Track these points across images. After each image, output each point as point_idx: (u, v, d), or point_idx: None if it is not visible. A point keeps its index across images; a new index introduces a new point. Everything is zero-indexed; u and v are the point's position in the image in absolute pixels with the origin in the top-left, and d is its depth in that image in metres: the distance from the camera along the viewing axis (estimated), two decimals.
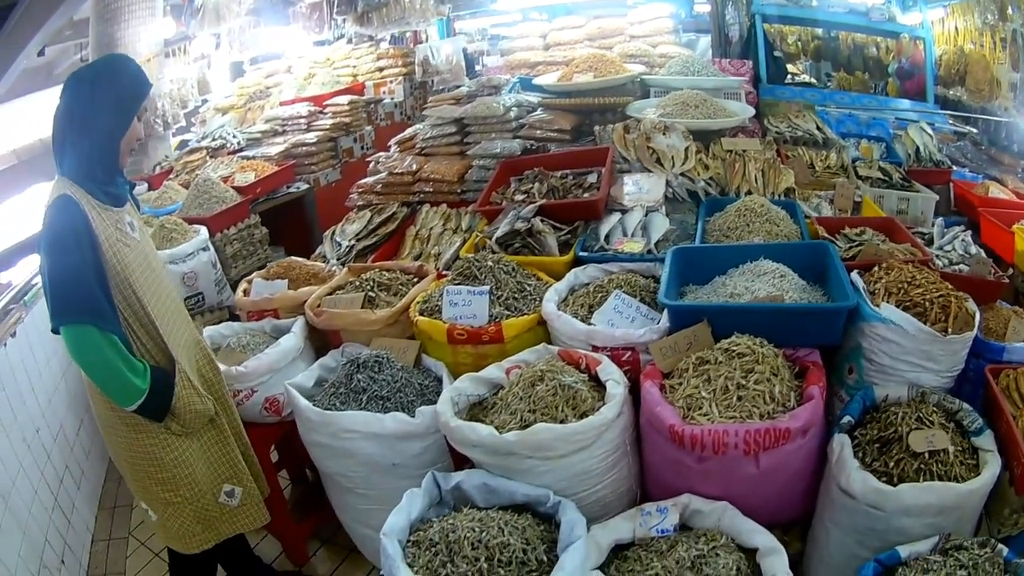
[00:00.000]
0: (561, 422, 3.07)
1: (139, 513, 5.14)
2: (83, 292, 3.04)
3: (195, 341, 3.67)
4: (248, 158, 7.59)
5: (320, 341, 4.48)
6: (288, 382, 3.83)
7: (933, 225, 4.90)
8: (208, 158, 7.97)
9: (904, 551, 2.62)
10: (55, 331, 3.04)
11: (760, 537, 2.77)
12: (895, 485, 2.73)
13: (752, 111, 5.78)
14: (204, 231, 5.69)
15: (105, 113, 3.15)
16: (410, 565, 2.75)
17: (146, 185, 7.46)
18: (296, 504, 4.84)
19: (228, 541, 3.77)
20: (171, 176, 7.60)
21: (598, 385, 3.36)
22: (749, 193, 4.57)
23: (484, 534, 2.78)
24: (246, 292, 4.81)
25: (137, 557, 4.81)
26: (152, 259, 3.44)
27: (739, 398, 3.00)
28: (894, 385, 3.22)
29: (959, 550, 2.55)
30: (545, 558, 2.80)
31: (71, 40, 7.98)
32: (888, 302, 3.25)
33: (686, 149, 4.91)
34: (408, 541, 2.92)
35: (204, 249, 5.56)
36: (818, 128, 6.12)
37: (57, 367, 5.18)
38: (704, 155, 4.99)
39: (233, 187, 6.54)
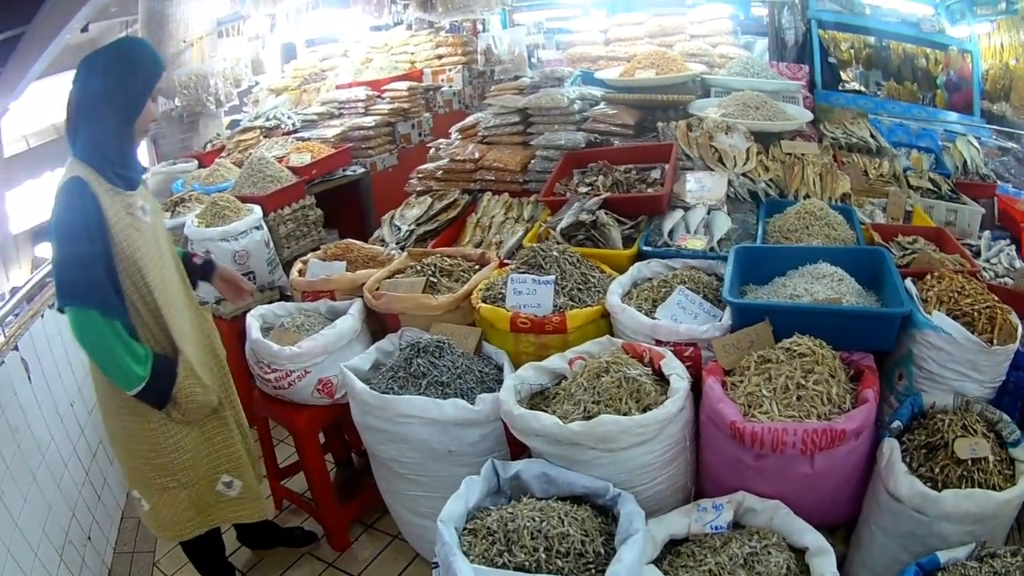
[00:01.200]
0: (624, 414, 3.08)
1: None
2: (88, 276, 3.10)
3: (203, 330, 3.73)
4: (303, 139, 7.61)
5: (376, 325, 4.49)
6: (344, 364, 3.83)
7: (980, 238, 4.97)
8: (262, 138, 8.00)
9: (943, 556, 2.65)
10: (60, 311, 3.18)
11: (810, 537, 2.80)
12: (939, 491, 2.76)
13: (810, 116, 5.79)
14: (258, 210, 5.72)
15: (116, 97, 3.20)
16: (466, 553, 2.75)
17: (195, 162, 7.55)
18: (340, 488, 4.86)
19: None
20: (223, 155, 7.64)
21: (660, 379, 3.37)
22: (807, 197, 4.62)
23: (544, 524, 2.79)
24: (301, 272, 4.84)
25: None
26: (163, 244, 3.48)
27: (798, 398, 3.03)
28: (940, 393, 3.23)
29: (993, 557, 2.59)
30: (602, 550, 2.80)
31: (117, 17, 8.04)
32: (939, 310, 3.27)
33: (747, 150, 4.92)
34: (464, 529, 2.93)
35: (257, 228, 5.59)
36: (872, 136, 6.12)
37: None
38: (764, 157, 5.00)
39: (288, 167, 6.57)
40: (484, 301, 3.97)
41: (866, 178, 5.41)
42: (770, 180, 4.80)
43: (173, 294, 3.45)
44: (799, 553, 2.81)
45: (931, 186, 5.63)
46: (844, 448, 2.89)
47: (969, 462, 2.85)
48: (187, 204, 6.17)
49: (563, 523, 2.81)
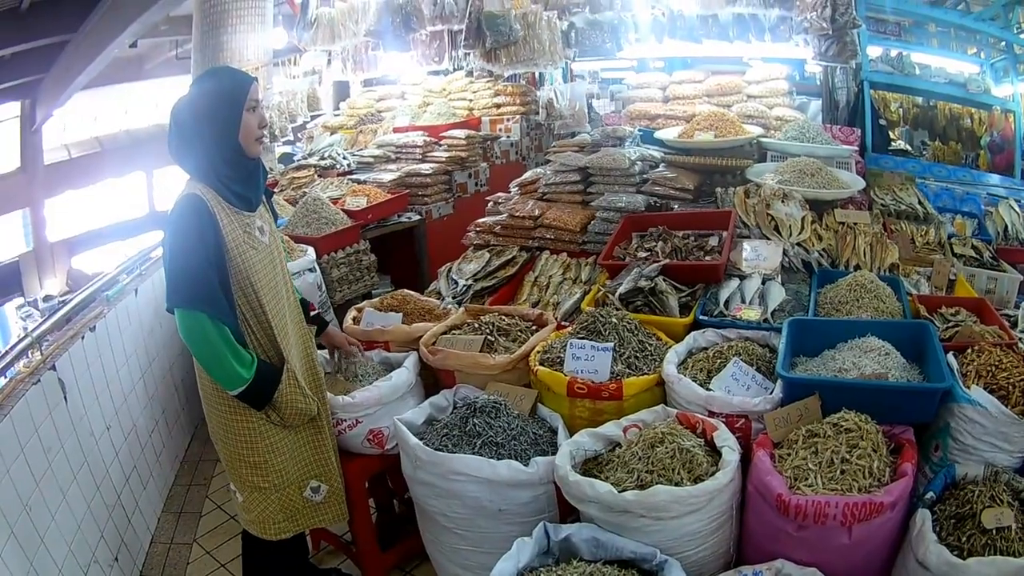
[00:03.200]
0: (676, 484, 3.21)
1: (208, 521, 5.39)
2: (199, 283, 3.38)
3: (306, 345, 3.97)
4: (359, 182, 7.79)
5: (430, 378, 4.62)
6: (398, 418, 3.94)
7: (1018, 306, 5.05)
8: (317, 177, 8.18)
9: None
10: (169, 311, 3.46)
11: None
12: (964, 559, 2.86)
13: (863, 183, 5.90)
14: (312, 252, 5.88)
15: (206, 121, 3.44)
16: None
17: None
18: (380, 533, 4.91)
19: (295, 541, 4.11)
20: (276, 190, 7.80)
21: (712, 450, 3.50)
22: (858, 267, 4.79)
23: None
24: (356, 320, 4.96)
25: (200, 564, 4.99)
26: (278, 263, 3.77)
27: (842, 472, 3.15)
28: (973, 464, 3.36)
29: None
30: None
31: (167, 36, 8.21)
32: (978, 385, 3.42)
33: (803, 219, 5.06)
34: None
35: (311, 270, 5.75)
36: (919, 203, 6.23)
37: (137, 367, 5.41)
38: (818, 225, 5.15)
39: (344, 210, 6.72)
40: (541, 364, 4.10)
41: (913, 246, 5.52)
42: (823, 250, 4.94)
43: (282, 309, 3.74)
44: None
45: (974, 253, 5.75)
46: (880, 519, 3.01)
47: (994, 531, 2.97)
48: None
49: None
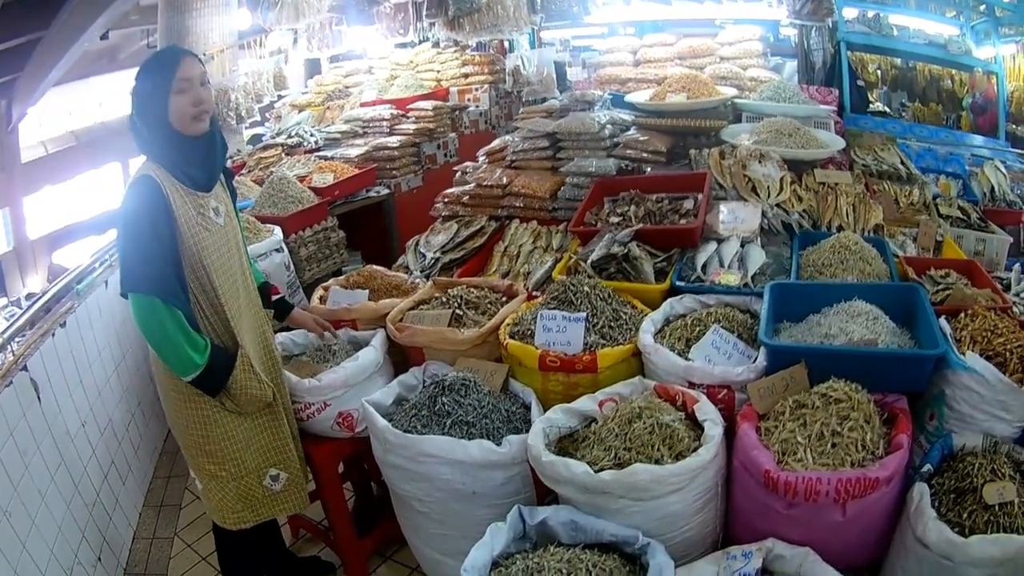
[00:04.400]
0: (656, 462, 3.02)
1: (188, 513, 5.26)
2: (151, 267, 3.25)
3: (262, 331, 3.81)
4: (326, 158, 7.60)
5: (399, 356, 4.43)
6: (366, 399, 3.78)
7: (1009, 269, 4.97)
8: (284, 155, 7.98)
9: None
10: (124, 296, 3.33)
11: None
12: (966, 536, 2.70)
13: (843, 143, 5.75)
14: (279, 231, 5.68)
15: (138, 106, 3.35)
16: None
17: None
18: (358, 517, 4.76)
19: (264, 526, 3.95)
20: (243, 171, 7.65)
21: (693, 423, 3.30)
22: (840, 228, 4.59)
23: None
24: (322, 299, 4.78)
25: (182, 559, 4.85)
26: (233, 245, 3.60)
27: (833, 445, 2.95)
28: (970, 434, 3.17)
29: None
30: None
31: (137, 25, 8.03)
32: (972, 351, 3.24)
33: (781, 179, 4.86)
34: None
35: (278, 250, 5.56)
36: (902, 163, 6.11)
37: (110, 359, 5.25)
38: (797, 186, 4.95)
39: (311, 188, 6.53)
40: (512, 337, 3.91)
41: (897, 207, 5.37)
42: (803, 211, 4.73)
43: (237, 293, 3.59)
44: None
45: (960, 214, 5.64)
46: (876, 495, 2.82)
47: (996, 507, 2.80)
48: None
49: (591, 575, 2.74)
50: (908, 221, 5.11)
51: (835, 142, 5.61)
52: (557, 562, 2.80)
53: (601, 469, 3.02)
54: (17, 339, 4.23)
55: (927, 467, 3.04)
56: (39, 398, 4.05)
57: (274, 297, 4.14)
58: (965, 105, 8.23)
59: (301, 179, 6.74)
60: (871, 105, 8.23)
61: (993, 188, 6.32)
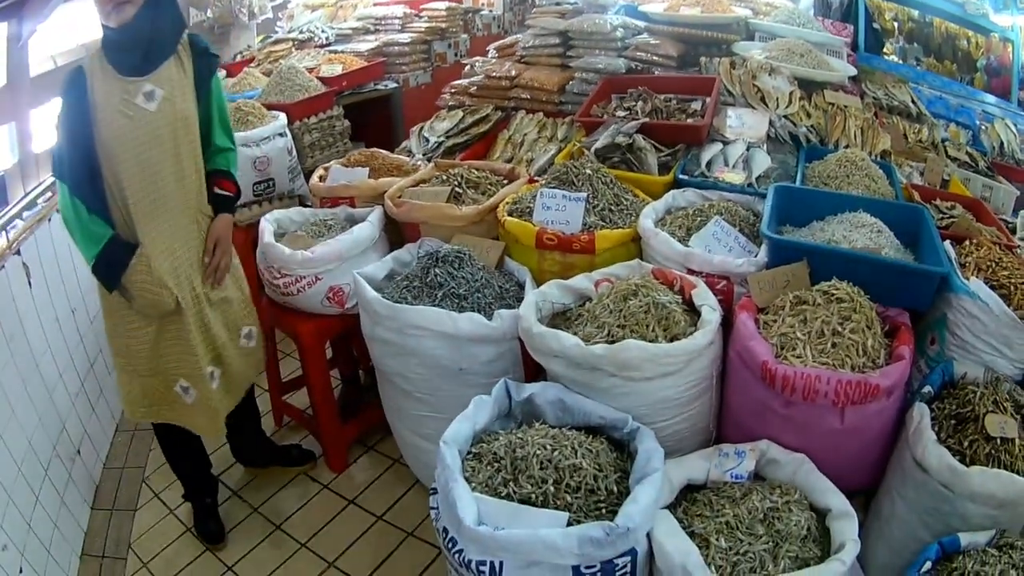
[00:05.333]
0: (651, 342, 2.85)
1: None
2: (63, 154, 3.19)
3: (191, 229, 3.51)
4: (336, 52, 7.39)
5: (396, 236, 4.29)
6: (358, 271, 3.62)
7: (1017, 216, 4.77)
8: (294, 50, 7.79)
9: (964, 539, 2.45)
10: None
11: (834, 498, 2.61)
12: (967, 466, 2.55)
13: (854, 70, 5.60)
14: (283, 117, 5.52)
15: None
16: (468, 479, 2.58)
17: (223, 73, 7.22)
18: (344, 406, 4.66)
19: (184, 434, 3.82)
20: (252, 65, 7.42)
21: (690, 310, 3.14)
22: (847, 147, 4.39)
23: (556, 453, 2.60)
24: (322, 179, 4.62)
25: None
26: (166, 133, 3.31)
27: (833, 344, 2.81)
28: (972, 364, 3.03)
29: (1011, 548, 2.39)
30: (616, 488, 2.60)
31: None
32: (977, 278, 3.07)
33: (790, 93, 4.70)
34: (469, 453, 2.77)
35: (281, 135, 5.39)
36: (913, 102, 5.99)
37: None
38: (806, 103, 4.79)
39: (319, 77, 6.37)
40: (510, 215, 3.75)
41: (905, 141, 5.23)
42: (811, 126, 4.58)
43: (152, 186, 3.31)
44: (820, 514, 2.62)
45: (968, 160, 5.49)
46: (875, 406, 2.69)
47: (998, 440, 2.66)
48: None
49: (576, 454, 2.62)
50: (916, 155, 4.99)
51: (846, 69, 5.44)
52: (542, 438, 2.67)
53: (593, 344, 2.87)
54: (12, 225, 4.09)
55: (928, 388, 2.90)
56: (30, 283, 3.93)
57: (216, 191, 3.63)
58: (979, 66, 8.05)
59: (310, 71, 6.54)
60: (886, 57, 8.07)
61: (1003, 143, 6.17)
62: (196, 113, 3.41)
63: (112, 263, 3.28)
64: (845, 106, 4.82)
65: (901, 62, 8.14)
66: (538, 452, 2.58)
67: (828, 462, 2.72)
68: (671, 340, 2.90)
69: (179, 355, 3.52)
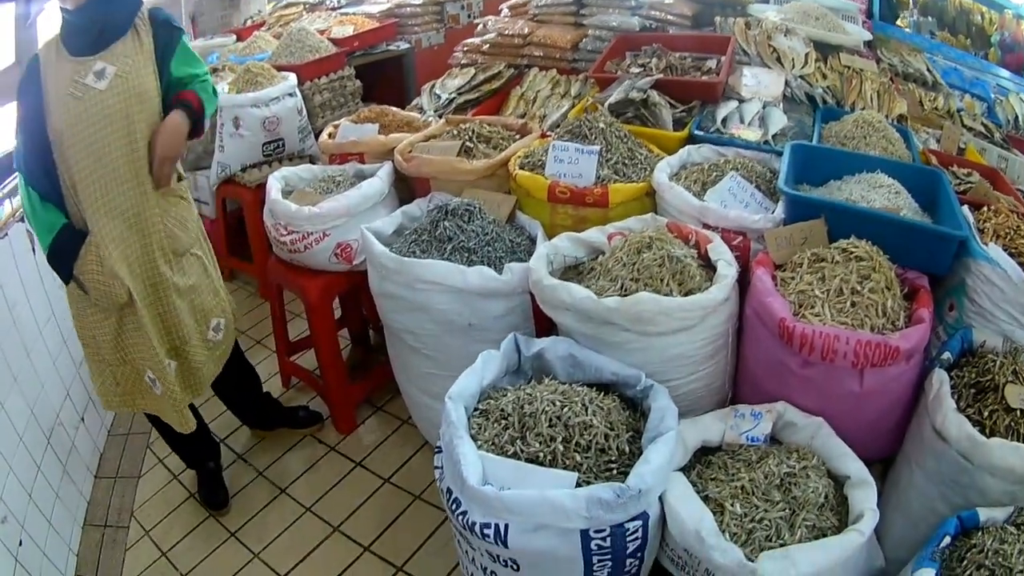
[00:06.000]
0: (665, 296, 2.74)
1: None
2: (20, 143, 3.05)
3: (145, 221, 3.21)
4: (347, 13, 7.31)
5: (406, 192, 4.16)
6: (366, 226, 3.50)
7: None
8: (304, 13, 7.71)
9: (983, 514, 2.32)
10: None
11: (852, 464, 2.51)
12: (987, 437, 2.43)
13: (868, 35, 5.51)
14: (293, 77, 5.44)
15: None
16: (474, 437, 2.46)
17: (233, 37, 7.26)
18: (353, 366, 4.60)
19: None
20: (263, 29, 7.38)
21: (706, 265, 3.02)
22: (863, 110, 4.24)
23: (566, 410, 2.47)
24: (331, 136, 4.49)
25: None
26: (118, 112, 3.04)
27: (852, 304, 2.69)
28: (990, 333, 2.90)
29: None
30: (628, 448, 2.48)
31: None
32: (995, 244, 2.95)
33: (806, 54, 4.59)
34: (476, 409, 2.65)
35: (291, 95, 5.33)
36: (928, 70, 5.87)
37: None
38: (822, 65, 4.69)
39: (330, 39, 6.27)
40: (522, 168, 3.62)
41: (921, 108, 5.10)
42: (827, 87, 4.47)
43: (102, 168, 3.05)
44: (837, 481, 2.53)
45: (984, 131, 5.36)
46: (895, 369, 2.57)
47: (1018, 412, 2.52)
48: (220, 74, 5.88)
49: (587, 412, 2.49)
50: (931, 122, 4.85)
51: (861, 32, 5.33)
52: (551, 394, 2.54)
53: (607, 297, 2.74)
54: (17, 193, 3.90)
55: (947, 355, 2.77)
56: (33, 249, 3.84)
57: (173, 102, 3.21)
58: (993, 42, 7.91)
59: (321, 32, 6.45)
60: (900, 28, 7.94)
61: (1017, 117, 6.05)
62: (156, 88, 3.13)
63: (63, 252, 3.11)
64: (861, 69, 4.71)
65: (920, 33, 8.03)
66: (547, 409, 2.46)
67: (846, 427, 2.63)
68: (686, 295, 2.78)
69: (141, 347, 3.32)
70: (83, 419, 4.11)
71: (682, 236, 3.09)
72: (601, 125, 3.62)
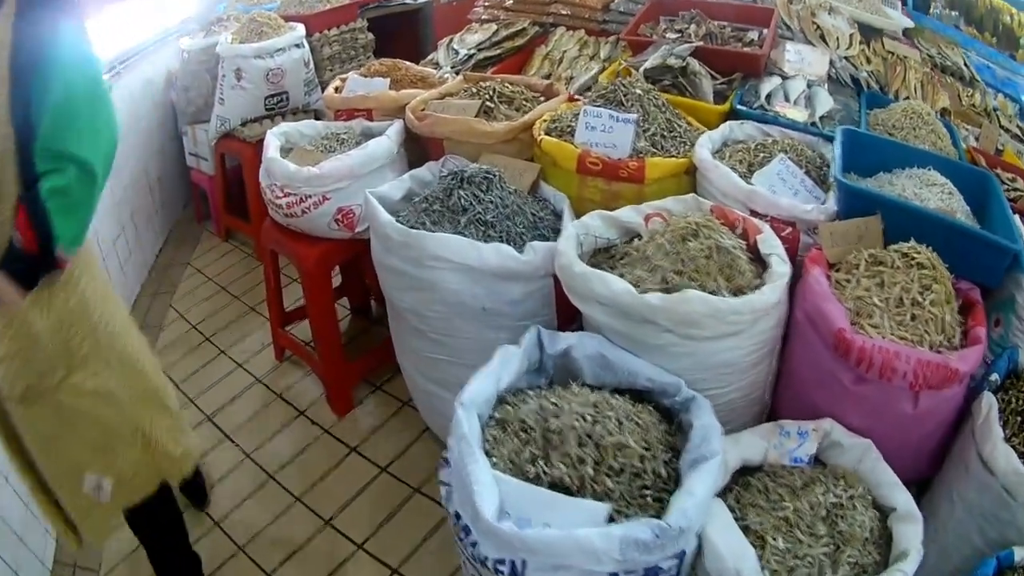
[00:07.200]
0: (712, 293, 2.35)
1: (167, 336, 4.74)
2: None
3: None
4: None
5: (417, 155, 3.72)
6: (371, 191, 3.07)
7: None
8: None
9: (1018, 553, 2.09)
10: None
11: (900, 496, 2.20)
12: None
13: (910, 22, 5.16)
14: (301, 28, 5.09)
15: None
16: (488, 452, 2.08)
17: None
18: (351, 340, 4.34)
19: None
20: None
21: (754, 259, 2.62)
22: (907, 99, 3.93)
23: (598, 428, 2.07)
24: (338, 90, 4.07)
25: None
26: None
27: (913, 317, 2.37)
28: None
29: None
30: (664, 472, 2.09)
31: None
32: None
33: (851, 35, 4.28)
34: (491, 417, 2.24)
35: (297, 46, 4.99)
36: (965, 65, 5.53)
37: None
38: (866, 48, 4.39)
39: None
40: (548, 134, 3.20)
41: (959, 103, 4.79)
42: (871, 72, 4.17)
43: None
44: (882, 512, 2.22)
45: (1019, 132, 5.02)
46: (949, 392, 2.31)
47: None
48: (224, 23, 5.55)
49: (621, 429, 2.09)
50: (970, 119, 4.54)
51: (901, 19, 5.05)
52: (581, 405, 2.13)
53: (646, 292, 2.34)
54: None
55: (995, 376, 2.51)
56: None
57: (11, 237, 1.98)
58: (1022, 43, 7.62)
59: None
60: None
61: None
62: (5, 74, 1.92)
63: None
64: (905, 57, 4.47)
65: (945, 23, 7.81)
66: (576, 425, 2.05)
67: (890, 448, 2.33)
68: (734, 293, 2.41)
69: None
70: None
71: (728, 223, 2.69)
72: (638, 91, 3.22)
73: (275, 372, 4.23)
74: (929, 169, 3.06)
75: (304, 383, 4.10)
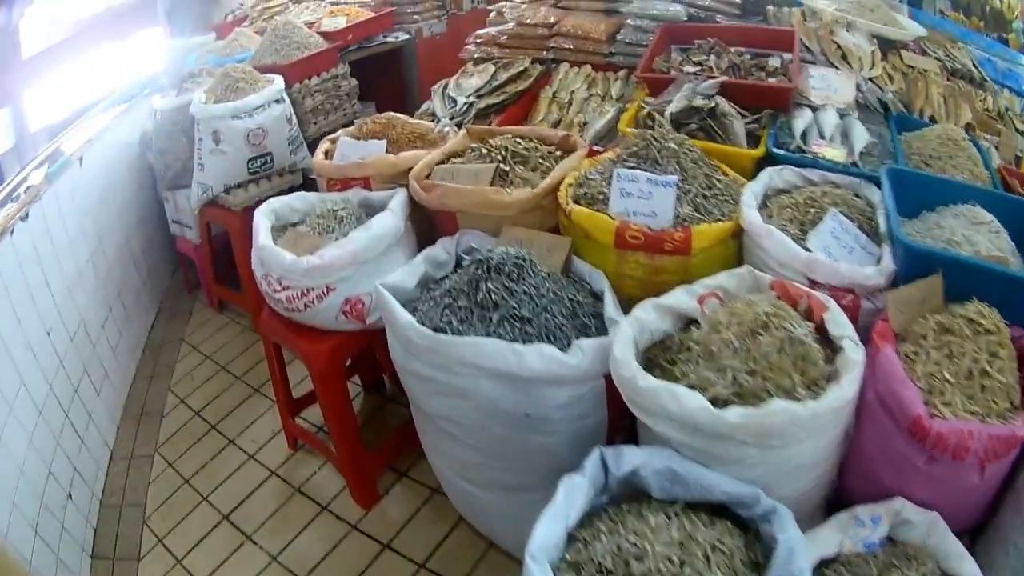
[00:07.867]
0: (787, 393, 2.11)
1: (170, 422, 4.50)
2: None
3: None
4: (338, 3, 6.75)
5: (423, 224, 3.49)
6: (381, 282, 2.76)
7: None
8: (290, 4, 7.12)
9: None
10: None
11: (967, 567, 2.13)
12: None
13: (923, 29, 4.91)
14: (279, 80, 4.80)
15: None
16: None
17: (213, 35, 6.75)
18: (367, 422, 4.08)
19: None
20: (245, 24, 6.81)
21: (822, 339, 2.34)
22: (932, 119, 3.86)
23: (687, 569, 1.80)
24: (328, 154, 3.80)
25: (163, 482, 4.05)
26: None
27: (983, 388, 2.21)
28: None
29: None
30: None
31: None
32: None
33: (872, 53, 4.11)
34: (563, 560, 1.93)
35: (277, 101, 4.70)
36: (974, 65, 5.32)
37: (84, 248, 4.47)
38: (886, 65, 4.21)
39: (319, 32, 5.64)
40: (577, 202, 2.93)
41: (976, 111, 4.59)
42: (896, 91, 3.99)
43: None
44: None
45: None
46: (1009, 457, 2.22)
47: None
48: (197, 79, 5.30)
49: (709, 565, 1.83)
50: (986, 126, 4.31)
51: (914, 27, 4.81)
52: (665, 546, 1.85)
53: (716, 399, 2.09)
54: None
55: None
56: None
57: None
58: (1015, 28, 7.47)
59: (310, 25, 5.85)
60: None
61: None
62: None
63: None
64: (924, 70, 4.30)
65: (933, 14, 7.68)
66: (663, 568, 1.78)
67: (952, 514, 2.26)
68: (808, 387, 2.16)
69: None
70: (70, 495, 3.54)
71: (791, 301, 2.42)
72: (672, 145, 2.94)
73: (290, 463, 3.99)
74: (973, 204, 2.89)
75: (323, 474, 3.85)
